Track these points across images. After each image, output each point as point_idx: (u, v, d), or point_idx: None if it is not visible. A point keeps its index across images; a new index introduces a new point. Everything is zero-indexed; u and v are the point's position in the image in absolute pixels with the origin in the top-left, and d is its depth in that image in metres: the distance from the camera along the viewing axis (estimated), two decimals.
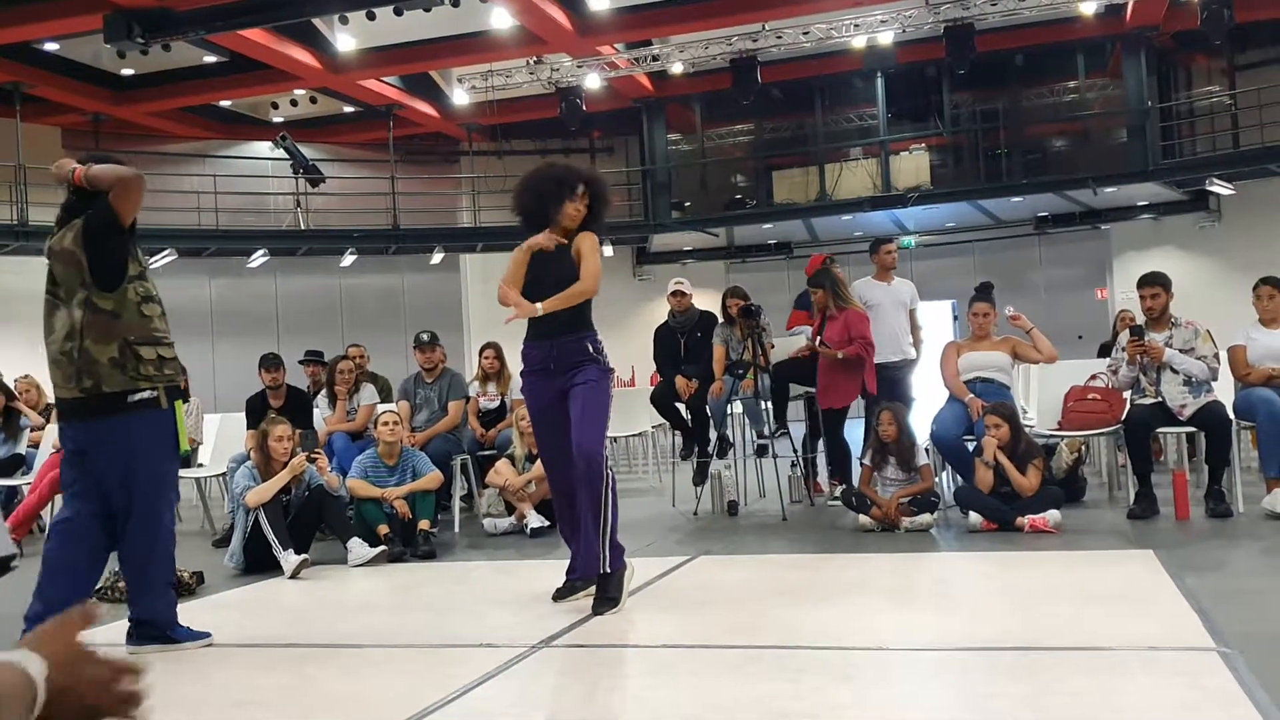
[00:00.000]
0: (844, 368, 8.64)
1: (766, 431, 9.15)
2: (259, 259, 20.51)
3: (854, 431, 9.26)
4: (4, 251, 19.04)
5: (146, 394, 4.85)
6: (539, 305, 5.36)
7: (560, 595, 5.55)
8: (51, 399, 11.30)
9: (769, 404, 9.01)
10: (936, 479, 7.98)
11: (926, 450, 7.96)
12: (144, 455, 4.87)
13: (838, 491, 8.71)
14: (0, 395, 9.89)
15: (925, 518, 7.47)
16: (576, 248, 5.54)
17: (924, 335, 9.75)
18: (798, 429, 9.38)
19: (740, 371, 8.91)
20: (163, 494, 5.03)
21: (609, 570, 5.33)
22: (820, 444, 9.24)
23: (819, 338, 8.74)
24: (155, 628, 4.99)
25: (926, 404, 9.29)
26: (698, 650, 4.51)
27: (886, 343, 9.35)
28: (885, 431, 7.73)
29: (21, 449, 9.93)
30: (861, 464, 7.91)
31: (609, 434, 5.78)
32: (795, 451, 9.02)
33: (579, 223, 5.62)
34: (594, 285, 5.48)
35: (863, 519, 7.55)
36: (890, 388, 9.15)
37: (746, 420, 9.67)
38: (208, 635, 5.06)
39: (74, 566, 4.93)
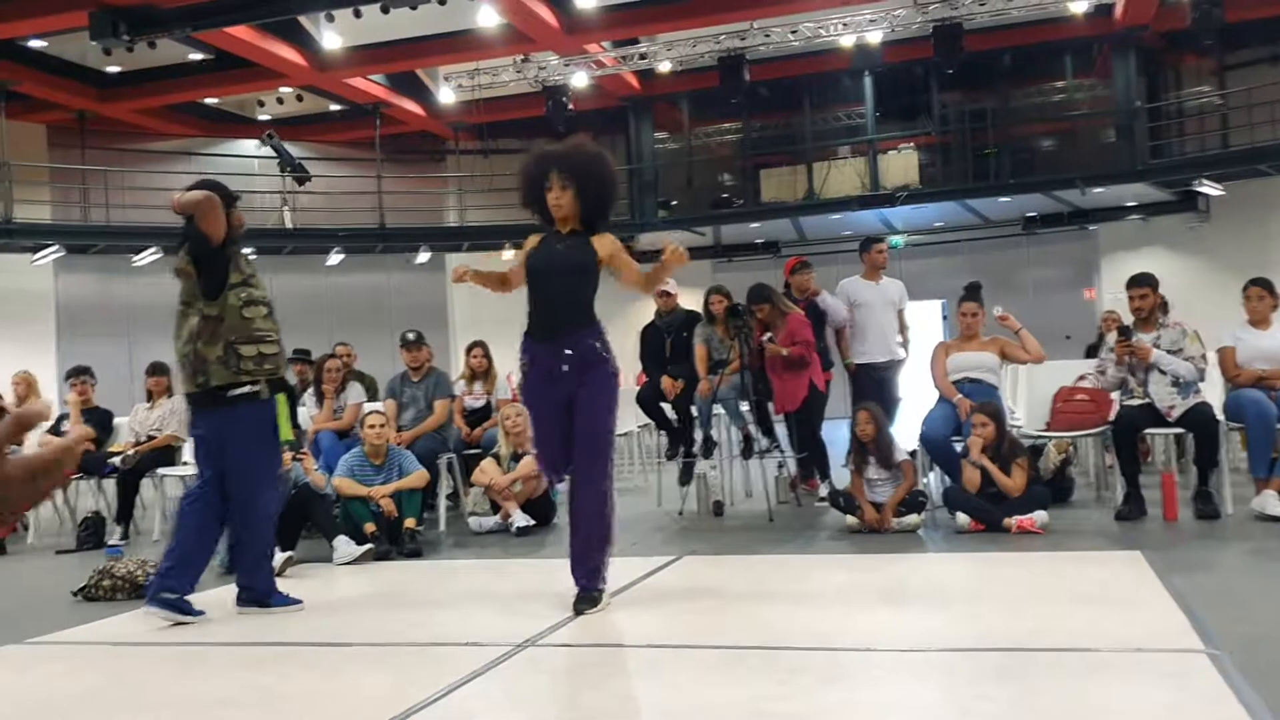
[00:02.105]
0: (789, 371, 8.68)
1: (753, 431, 9.13)
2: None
3: (837, 431, 9.26)
4: None
5: (246, 389, 5.52)
6: None
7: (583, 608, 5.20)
8: (43, 398, 11.34)
9: (747, 404, 9.00)
10: (925, 480, 7.97)
11: (913, 453, 7.94)
12: (242, 445, 5.57)
13: (823, 490, 8.72)
14: None
15: (912, 518, 7.46)
16: (606, 253, 5.36)
17: (911, 335, 9.75)
18: (782, 428, 9.35)
19: (721, 370, 8.92)
20: (260, 480, 5.70)
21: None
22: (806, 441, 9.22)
23: (767, 334, 8.75)
24: (254, 593, 5.72)
25: (915, 404, 9.28)
26: (683, 650, 4.49)
27: (875, 342, 9.35)
28: (863, 430, 7.71)
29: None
30: (850, 470, 7.87)
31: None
32: (781, 452, 8.99)
33: (573, 209, 5.36)
34: (646, 285, 5.60)
35: (850, 520, 7.52)
36: (878, 388, 9.14)
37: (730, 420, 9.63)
38: (299, 602, 5.74)
39: (199, 527, 5.62)
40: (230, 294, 5.55)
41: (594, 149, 5.62)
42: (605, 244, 5.37)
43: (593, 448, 5.24)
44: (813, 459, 9.03)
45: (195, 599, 5.59)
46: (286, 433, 5.68)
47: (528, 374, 5.43)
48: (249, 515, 5.69)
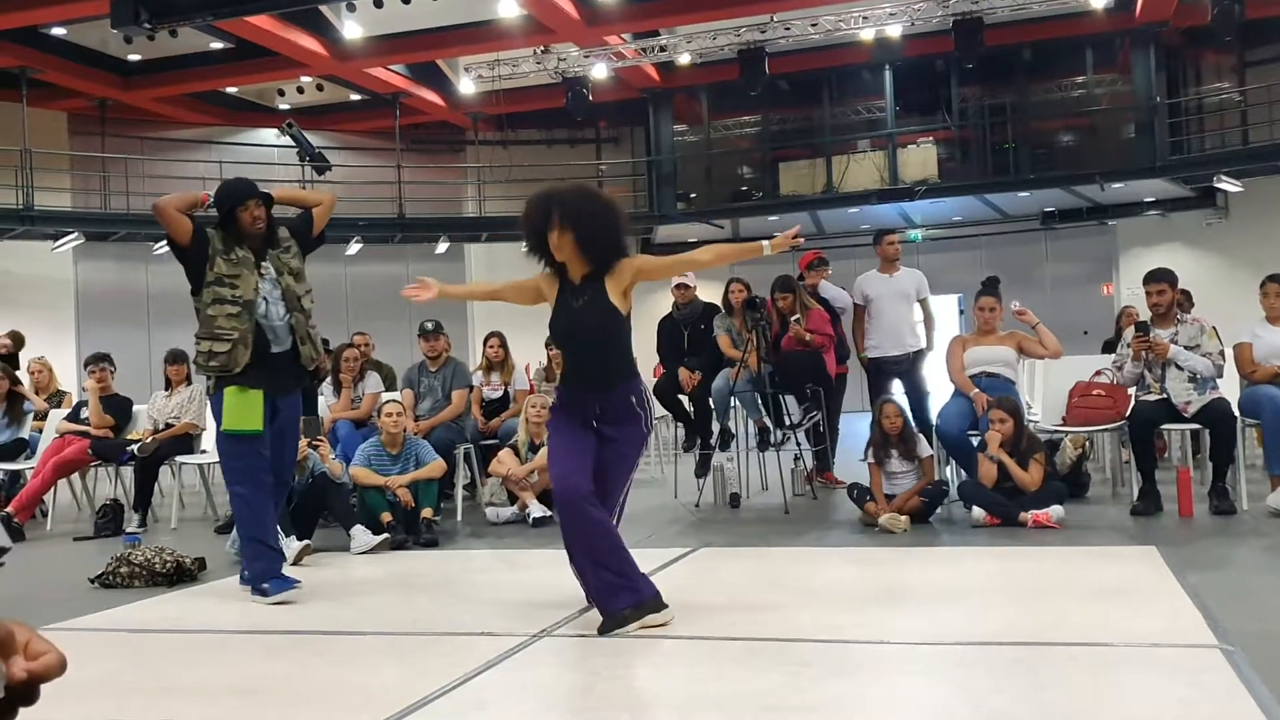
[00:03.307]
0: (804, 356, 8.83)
1: (767, 423, 9.13)
2: None
3: (856, 424, 9.26)
4: (10, 236, 19.06)
5: (208, 382, 5.88)
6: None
7: (607, 628, 4.73)
8: (62, 384, 11.40)
9: (764, 395, 9.01)
10: (942, 477, 7.96)
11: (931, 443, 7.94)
12: (217, 433, 5.93)
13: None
14: (4, 379, 9.88)
15: (902, 521, 7.33)
16: (624, 287, 4.96)
17: (936, 324, 9.71)
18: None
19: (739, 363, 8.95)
20: (226, 467, 5.97)
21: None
22: (824, 434, 9.23)
23: (794, 317, 8.79)
24: (249, 577, 5.84)
25: (933, 398, 9.28)
26: (697, 642, 4.50)
27: (887, 336, 9.35)
28: (890, 425, 7.70)
29: (25, 433, 9.93)
30: (869, 464, 7.86)
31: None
32: (798, 444, 9.00)
33: (574, 253, 4.88)
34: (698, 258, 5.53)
35: (869, 506, 7.49)
36: (895, 381, 9.15)
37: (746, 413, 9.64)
38: (288, 589, 5.73)
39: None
40: (205, 291, 5.74)
41: (591, 188, 5.48)
42: (624, 278, 4.95)
43: (607, 495, 4.92)
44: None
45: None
46: (241, 423, 5.72)
47: (557, 409, 5.17)
48: (231, 497, 6.02)
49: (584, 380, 4.97)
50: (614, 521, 4.93)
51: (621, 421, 4.94)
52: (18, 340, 11.76)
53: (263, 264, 5.88)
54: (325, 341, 9.41)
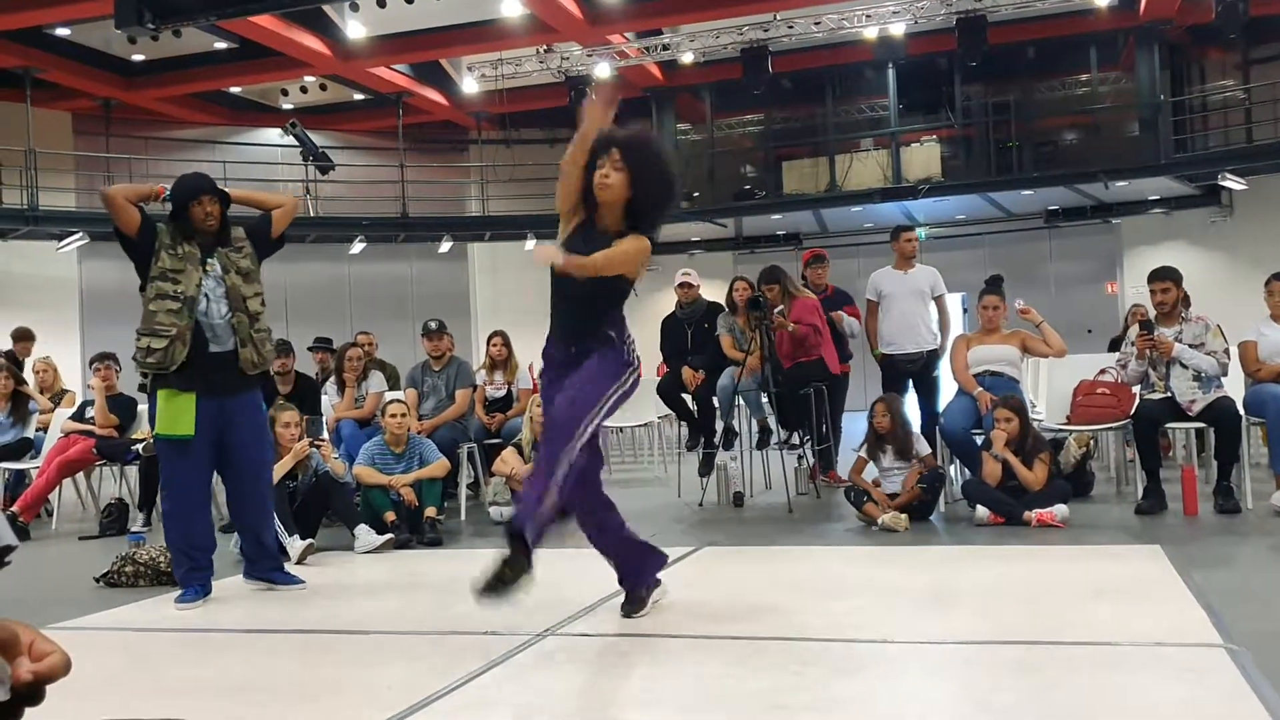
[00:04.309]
0: (797, 348, 8.78)
1: (769, 423, 9.12)
2: None
3: (860, 423, 9.25)
4: (14, 236, 19.08)
5: (144, 380, 5.72)
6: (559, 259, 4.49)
7: (630, 610, 4.91)
8: (66, 384, 11.42)
9: (769, 394, 8.99)
10: (943, 471, 7.96)
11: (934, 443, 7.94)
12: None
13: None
14: (9, 379, 9.89)
15: (901, 518, 7.29)
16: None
17: (950, 323, 9.64)
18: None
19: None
20: (160, 471, 5.84)
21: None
22: (827, 433, 9.21)
23: (779, 308, 8.75)
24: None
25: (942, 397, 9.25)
26: (701, 641, 4.50)
27: (902, 333, 9.29)
28: (879, 423, 7.71)
29: (30, 433, 9.94)
30: (857, 455, 7.88)
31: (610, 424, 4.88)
32: (801, 442, 8.99)
33: (621, 195, 4.59)
34: (606, 264, 4.53)
35: (868, 507, 7.48)
36: (907, 380, 9.10)
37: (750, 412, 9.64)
38: (190, 601, 5.60)
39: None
40: (149, 286, 5.63)
41: (663, 144, 5.23)
42: (625, 242, 4.65)
43: (569, 402, 4.53)
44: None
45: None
46: (172, 427, 5.55)
47: (542, 374, 4.98)
48: None
49: (567, 328, 4.76)
50: (570, 443, 4.42)
51: (595, 353, 4.65)
52: (25, 336, 11.81)
53: (209, 260, 5.72)
54: (286, 344, 9.30)
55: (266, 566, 6.04)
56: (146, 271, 5.65)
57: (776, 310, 8.74)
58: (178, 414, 5.53)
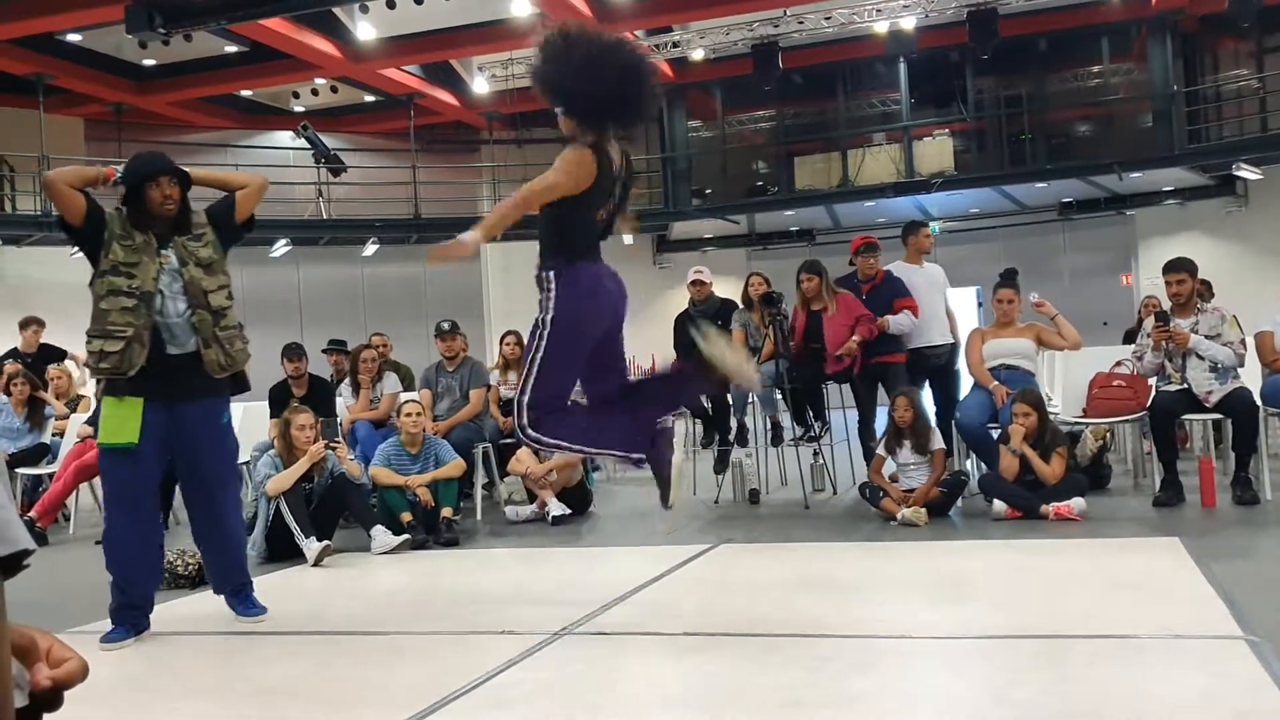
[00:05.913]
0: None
1: (781, 419, 9.09)
2: (281, 249, 20.51)
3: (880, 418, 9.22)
4: (28, 242, 19.15)
5: (97, 388, 5.13)
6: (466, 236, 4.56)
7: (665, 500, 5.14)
8: (81, 389, 11.45)
9: (782, 392, 8.95)
10: (961, 468, 7.95)
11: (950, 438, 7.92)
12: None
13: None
14: (25, 384, 9.92)
15: (920, 513, 7.32)
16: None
17: (957, 318, 9.60)
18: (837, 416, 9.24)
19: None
20: (104, 485, 5.27)
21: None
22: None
23: (855, 334, 8.59)
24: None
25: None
26: (718, 638, 4.50)
27: (929, 326, 9.22)
28: (901, 417, 7.69)
29: (46, 438, 9.98)
30: (875, 452, 7.86)
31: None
32: (817, 440, 8.97)
33: (565, 126, 5.13)
34: (519, 203, 4.82)
35: (885, 503, 7.46)
36: (935, 374, 9.01)
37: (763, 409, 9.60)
38: (117, 640, 4.90)
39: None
40: (99, 281, 5.00)
41: (557, 43, 5.04)
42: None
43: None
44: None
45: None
46: (114, 436, 4.95)
47: None
48: None
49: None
50: (547, 413, 4.83)
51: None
52: (32, 322, 11.87)
53: (162, 252, 5.06)
54: (300, 347, 9.21)
55: (228, 589, 5.36)
56: (94, 266, 5.04)
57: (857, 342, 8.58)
58: (122, 421, 4.93)
